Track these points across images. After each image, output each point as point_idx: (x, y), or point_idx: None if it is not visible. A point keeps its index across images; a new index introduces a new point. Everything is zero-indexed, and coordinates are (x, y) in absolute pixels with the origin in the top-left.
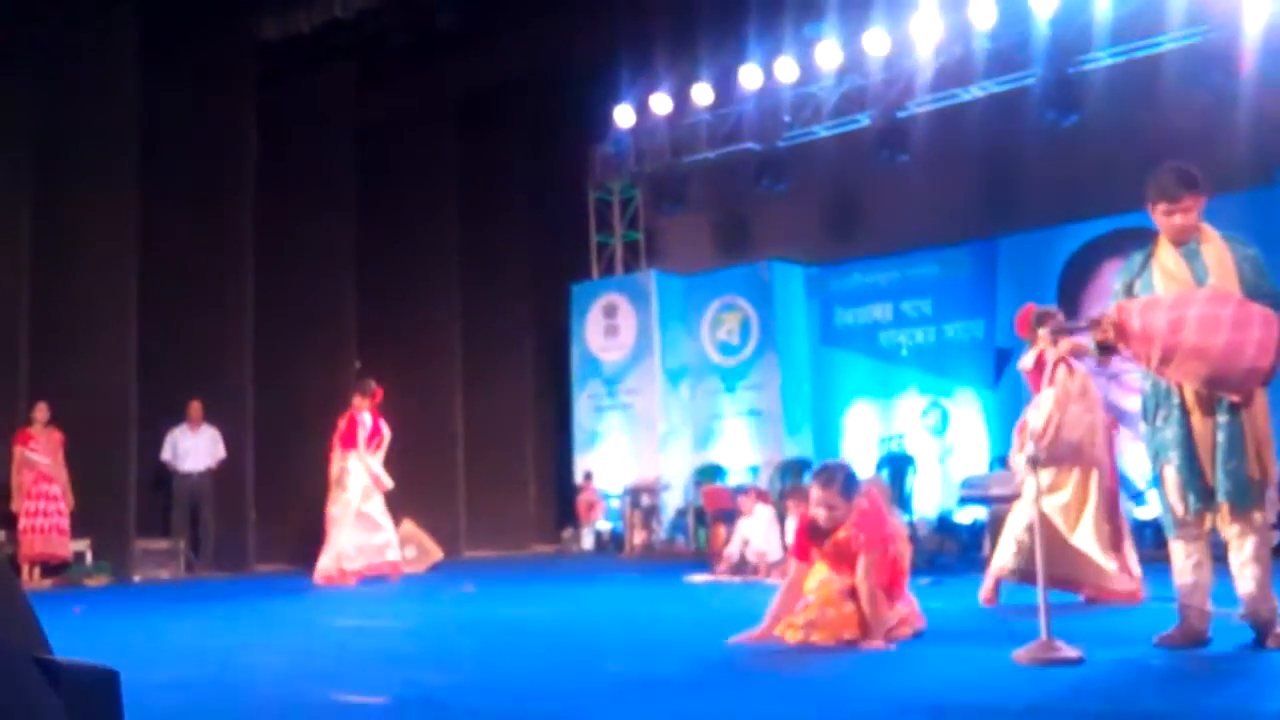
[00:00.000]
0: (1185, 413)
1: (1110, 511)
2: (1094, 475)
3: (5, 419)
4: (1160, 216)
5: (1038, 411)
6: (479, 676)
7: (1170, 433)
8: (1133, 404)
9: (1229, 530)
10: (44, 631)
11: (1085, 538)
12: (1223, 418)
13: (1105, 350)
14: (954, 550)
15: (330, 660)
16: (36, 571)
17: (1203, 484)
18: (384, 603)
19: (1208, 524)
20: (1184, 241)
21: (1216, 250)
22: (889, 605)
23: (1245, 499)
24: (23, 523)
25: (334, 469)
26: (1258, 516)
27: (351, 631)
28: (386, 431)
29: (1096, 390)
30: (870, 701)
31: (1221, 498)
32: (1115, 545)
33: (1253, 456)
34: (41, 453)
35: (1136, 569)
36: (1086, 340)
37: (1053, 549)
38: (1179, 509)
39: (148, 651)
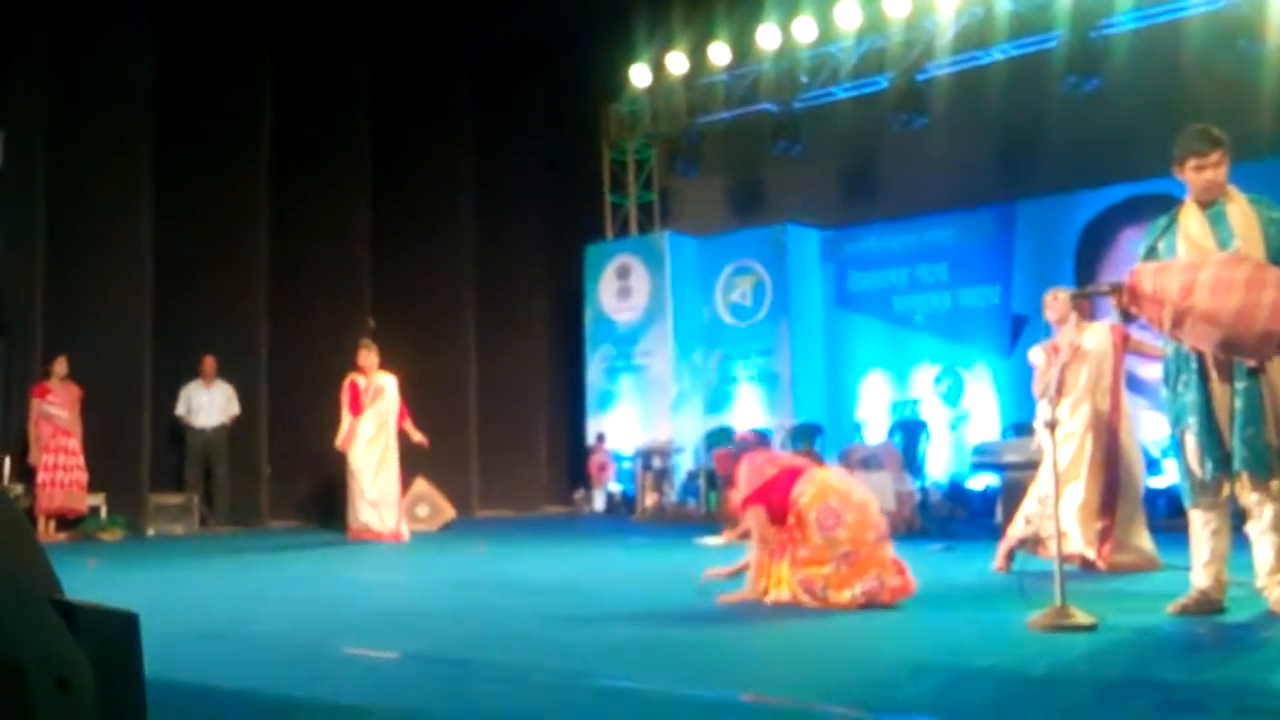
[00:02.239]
0: (1204, 378)
1: (1109, 483)
2: (1089, 437)
3: (23, 373)
4: (1190, 173)
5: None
6: (491, 634)
7: (1190, 398)
8: (1149, 372)
9: (1248, 498)
10: (60, 582)
11: (1068, 511)
12: (1241, 384)
13: (1124, 315)
14: (965, 517)
15: (343, 615)
16: (51, 525)
17: (1221, 450)
18: (396, 560)
19: (1226, 491)
20: (1211, 201)
21: (1242, 213)
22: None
23: (1263, 467)
24: (40, 476)
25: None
26: (1276, 485)
27: (364, 587)
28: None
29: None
30: (886, 665)
31: (1239, 465)
32: (1103, 527)
33: (1271, 423)
34: (59, 406)
35: (1141, 542)
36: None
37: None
38: (1197, 475)
39: (162, 604)
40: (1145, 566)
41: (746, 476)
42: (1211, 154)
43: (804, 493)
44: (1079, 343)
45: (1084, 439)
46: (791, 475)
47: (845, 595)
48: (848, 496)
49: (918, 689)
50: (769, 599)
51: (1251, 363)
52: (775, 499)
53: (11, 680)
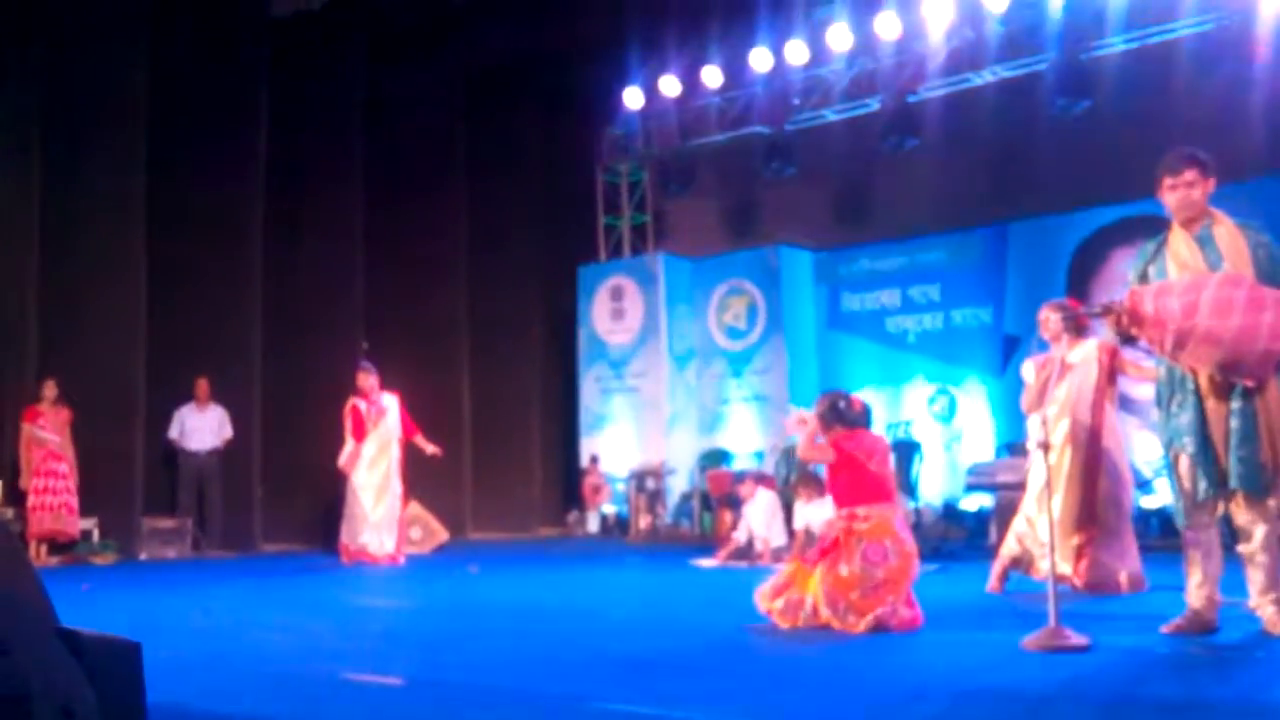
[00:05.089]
0: (1200, 398)
1: (1086, 497)
2: (1068, 451)
3: (14, 396)
4: (1165, 193)
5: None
6: (488, 657)
7: (1185, 418)
8: (1141, 392)
9: (1242, 518)
10: (55, 611)
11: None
12: (1236, 404)
13: (1122, 337)
14: (960, 537)
15: (339, 639)
16: (44, 549)
17: (1216, 470)
18: (391, 583)
19: (1219, 511)
20: (1193, 222)
21: (1230, 236)
22: None
23: (1259, 486)
24: (31, 500)
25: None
26: (1271, 504)
27: (359, 611)
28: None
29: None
30: (881, 687)
31: (1235, 484)
32: (1080, 543)
33: (1266, 443)
34: (50, 430)
35: (1125, 561)
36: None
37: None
38: (1191, 495)
39: (155, 630)
40: (1128, 587)
41: (854, 443)
42: (1184, 172)
43: (870, 519)
44: (1065, 358)
45: (1063, 452)
46: (878, 482)
47: (860, 624)
48: (903, 544)
49: (915, 711)
50: (786, 604)
51: (1249, 383)
52: (853, 472)
53: (18, 711)
